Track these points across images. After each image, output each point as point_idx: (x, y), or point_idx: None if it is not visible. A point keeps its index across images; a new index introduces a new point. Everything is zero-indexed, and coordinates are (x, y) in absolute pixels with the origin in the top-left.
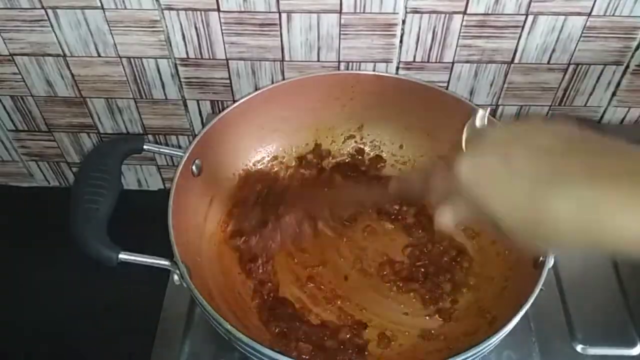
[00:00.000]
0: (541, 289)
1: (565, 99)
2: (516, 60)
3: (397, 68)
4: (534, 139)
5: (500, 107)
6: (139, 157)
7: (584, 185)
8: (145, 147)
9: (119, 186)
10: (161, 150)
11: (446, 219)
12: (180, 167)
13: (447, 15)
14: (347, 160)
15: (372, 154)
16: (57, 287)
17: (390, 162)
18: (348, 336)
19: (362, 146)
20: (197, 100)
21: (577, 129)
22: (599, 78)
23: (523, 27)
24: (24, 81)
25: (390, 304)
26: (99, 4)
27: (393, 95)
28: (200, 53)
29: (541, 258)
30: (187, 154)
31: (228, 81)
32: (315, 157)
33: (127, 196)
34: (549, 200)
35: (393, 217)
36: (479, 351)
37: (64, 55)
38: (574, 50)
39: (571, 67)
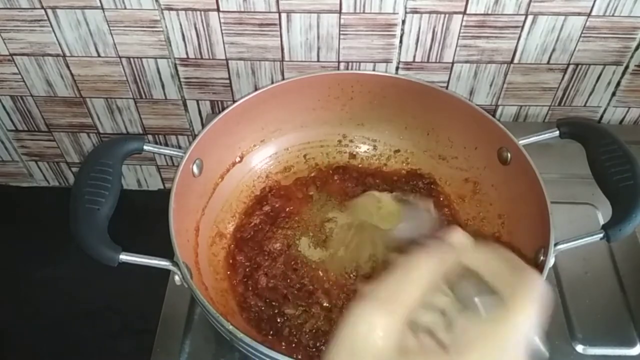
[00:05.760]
0: None
1: (565, 99)
2: (516, 61)
3: (397, 68)
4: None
5: (500, 107)
6: (139, 157)
7: None
8: (145, 147)
9: (120, 186)
10: (161, 150)
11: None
12: (181, 167)
13: (447, 15)
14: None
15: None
16: (57, 287)
17: (389, 161)
18: None
19: (359, 147)
20: (197, 100)
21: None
22: (598, 78)
23: (523, 27)
24: (24, 81)
25: None
26: (99, 4)
27: (393, 95)
28: (200, 53)
29: (541, 258)
30: (188, 154)
31: (228, 81)
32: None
33: (127, 196)
34: None
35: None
36: None
37: (64, 55)
38: (574, 50)
39: (571, 67)
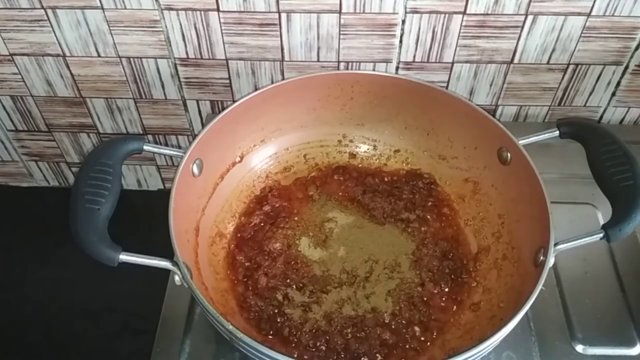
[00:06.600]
0: (541, 289)
1: (564, 99)
2: (516, 61)
3: (397, 68)
4: None
5: (500, 107)
6: (139, 157)
7: None
8: (145, 147)
9: (120, 186)
10: (161, 150)
11: None
12: (181, 167)
13: (447, 15)
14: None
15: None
16: (57, 287)
17: (389, 161)
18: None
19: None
20: (197, 100)
21: None
22: (598, 78)
23: (523, 27)
24: (24, 81)
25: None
26: (99, 4)
27: (393, 95)
28: (200, 53)
29: (541, 258)
30: (187, 154)
31: (228, 81)
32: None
33: (127, 196)
34: None
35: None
36: (479, 351)
37: (64, 55)
38: (574, 50)
39: (571, 67)
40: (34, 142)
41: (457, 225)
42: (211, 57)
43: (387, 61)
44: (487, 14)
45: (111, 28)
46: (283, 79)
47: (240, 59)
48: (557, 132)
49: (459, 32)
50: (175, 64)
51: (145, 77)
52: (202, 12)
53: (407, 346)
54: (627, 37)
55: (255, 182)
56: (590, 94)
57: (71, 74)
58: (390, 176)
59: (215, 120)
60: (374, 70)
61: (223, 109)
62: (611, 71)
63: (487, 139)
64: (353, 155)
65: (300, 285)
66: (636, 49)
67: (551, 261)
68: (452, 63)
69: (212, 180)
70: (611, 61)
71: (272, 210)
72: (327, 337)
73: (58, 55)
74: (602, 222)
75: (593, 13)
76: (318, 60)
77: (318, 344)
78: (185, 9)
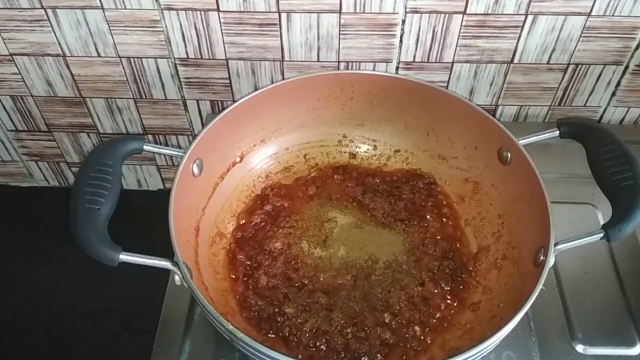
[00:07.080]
0: (541, 289)
1: (564, 98)
2: (516, 60)
3: (397, 68)
4: None
5: (500, 107)
6: (139, 157)
7: None
8: (145, 147)
9: (120, 186)
10: (161, 150)
11: None
12: (181, 167)
13: (447, 15)
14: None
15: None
16: (57, 287)
17: (389, 161)
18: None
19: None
20: (197, 100)
21: None
22: (598, 78)
23: (523, 27)
24: (24, 81)
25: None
26: (99, 4)
27: (393, 95)
28: (200, 53)
29: (542, 257)
30: (188, 154)
31: (228, 81)
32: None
33: (127, 196)
34: None
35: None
36: (479, 351)
37: (64, 55)
38: (574, 50)
39: (571, 67)
40: (34, 142)
41: (457, 225)
42: (211, 57)
43: (387, 61)
44: (487, 14)
45: (111, 28)
46: (283, 79)
47: (240, 59)
48: (557, 132)
49: (459, 32)
50: (175, 64)
51: (145, 77)
52: (202, 12)
53: (407, 346)
54: (627, 37)
55: (255, 182)
56: (590, 94)
57: (71, 74)
58: (390, 176)
59: (215, 120)
60: (374, 70)
61: (223, 109)
62: (611, 71)
63: (487, 139)
64: (353, 155)
65: (301, 285)
66: (636, 48)
67: (551, 261)
68: (452, 63)
69: (212, 180)
70: (611, 61)
71: (273, 210)
72: (327, 337)
73: (58, 55)
74: (602, 222)
75: (593, 13)
76: (318, 60)
77: (318, 343)
78: (185, 9)
